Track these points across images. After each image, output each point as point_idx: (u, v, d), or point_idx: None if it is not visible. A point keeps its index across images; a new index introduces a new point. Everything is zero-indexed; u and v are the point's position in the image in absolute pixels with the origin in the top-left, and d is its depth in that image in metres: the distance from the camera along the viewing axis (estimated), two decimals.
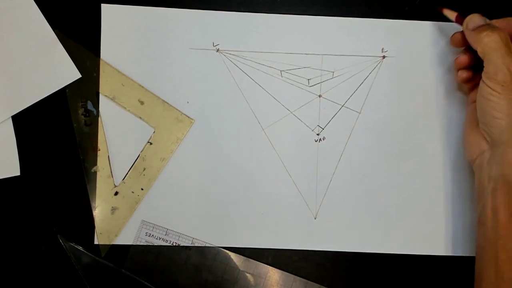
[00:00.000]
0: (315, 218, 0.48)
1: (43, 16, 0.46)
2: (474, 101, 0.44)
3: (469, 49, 0.44)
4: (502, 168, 0.40)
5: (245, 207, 0.48)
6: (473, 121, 0.45)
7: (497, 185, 0.40)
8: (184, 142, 0.48)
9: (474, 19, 0.43)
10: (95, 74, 0.47)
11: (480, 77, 0.42)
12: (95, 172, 0.47)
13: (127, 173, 0.47)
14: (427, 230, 0.49)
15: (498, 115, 0.40)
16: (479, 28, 0.42)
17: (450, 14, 0.45)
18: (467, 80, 0.46)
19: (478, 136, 0.43)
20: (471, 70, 0.45)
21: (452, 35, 0.46)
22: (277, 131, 0.48)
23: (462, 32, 0.45)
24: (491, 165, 0.41)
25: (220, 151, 0.48)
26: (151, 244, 0.47)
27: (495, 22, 0.43)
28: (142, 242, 0.47)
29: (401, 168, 0.49)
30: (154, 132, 0.47)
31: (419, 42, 0.48)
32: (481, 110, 0.42)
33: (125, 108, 0.47)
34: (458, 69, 0.46)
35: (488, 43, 0.40)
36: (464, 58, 0.45)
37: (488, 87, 0.40)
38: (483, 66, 0.41)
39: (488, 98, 0.40)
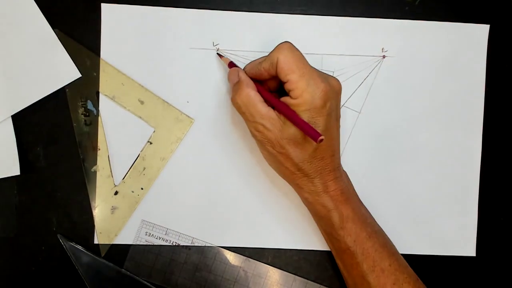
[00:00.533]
0: None
1: (43, 16, 0.46)
2: None
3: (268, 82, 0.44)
4: (299, 196, 0.45)
5: (245, 207, 0.48)
6: None
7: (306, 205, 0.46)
8: (184, 142, 0.48)
9: (231, 76, 0.44)
10: (95, 74, 0.47)
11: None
12: (95, 172, 0.47)
13: (127, 173, 0.47)
14: (427, 230, 0.49)
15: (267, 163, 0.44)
16: (233, 87, 0.43)
17: (225, 60, 0.46)
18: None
19: None
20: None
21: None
22: None
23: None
24: None
25: (220, 151, 0.48)
26: (151, 243, 0.47)
27: (249, 67, 0.44)
28: (142, 241, 0.47)
29: (401, 168, 0.49)
30: (154, 131, 0.47)
31: (419, 42, 0.48)
32: None
33: (125, 107, 0.47)
34: None
35: (238, 106, 0.42)
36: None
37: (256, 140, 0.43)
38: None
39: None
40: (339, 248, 0.43)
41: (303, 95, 0.39)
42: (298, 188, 0.43)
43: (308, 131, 0.38)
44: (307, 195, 0.43)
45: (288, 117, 0.40)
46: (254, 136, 0.42)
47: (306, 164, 0.41)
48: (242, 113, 0.42)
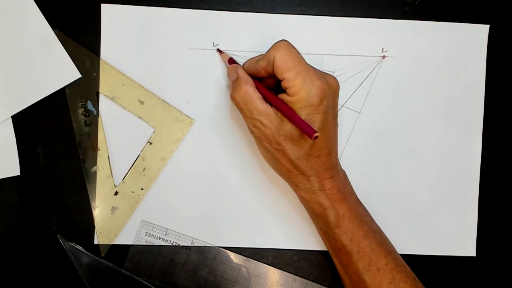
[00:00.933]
0: None
1: (43, 16, 0.46)
2: None
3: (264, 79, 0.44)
4: (299, 198, 0.45)
5: (245, 207, 0.48)
6: None
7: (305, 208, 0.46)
8: (184, 142, 0.48)
9: (230, 73, 0.44)
10: (95, 74, 0.47)
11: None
12: (95, 172, 0.47)
13: (127, 173, 0.47)
14: (427, 230, 0.49)
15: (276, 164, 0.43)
16: (232, 84, 0.43)
17: (225, 57, 0.46)
18: None
19: None
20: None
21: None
22: None
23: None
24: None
25: (220, 151, 0.48)
26: (151, 244, 0.47)
27: (248, 65, 0.44)
28: (142, 242, 0.47)
29: (401, 168, 0.49)
30: (154, 132, 0.47)
31: (419, 42, 0.48)
32: None
33: (125, 108, 0.47)
34: None
35: (237, 103, 0.42)
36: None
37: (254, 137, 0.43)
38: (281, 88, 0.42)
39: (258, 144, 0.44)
40: (335, 247, 0.43)
41: (300, 93, 0.40)
42: (294, 186, 0.43)
43: (303, 128, 0.39)
44: (303, 193, 0.43)
45: (285, 114, 0.40)
46: (252, 132, 0.43)
47: (302, 162, 0.41)
48: (240, 109, 0.42)
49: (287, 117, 0.40)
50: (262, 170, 0.48)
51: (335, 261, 0.45)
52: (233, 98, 0.42)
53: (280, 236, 0.48)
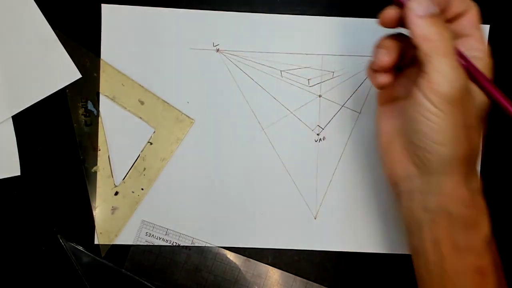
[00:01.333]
0: (315, 218, 0.48)
1: (43, 16, 0.46)
2: (393, 112, 0.37)
3: (399, 37, 0.35)
4: (441, 199, 0.34)
5: (245, 207, 0.48)
6: (393, 136, 0.37)
7: (436, 217, 0.34)
8: (184, 142, 0.48)
9: (425, 3, 0.31)
10: (95, 74, 0.47)
11: (409, 84, 0.34)
12: (95, 172, 0.47)
13: (127, 173, 0.47)
14: None
15: (439, 140, 0.32)
16: (431, 19, 0.31)
17: None
18: (387, 87, 0.36)
19: (403, 157, 0.36)
20: (392, 73, 0.36)
21: (384, 11, 0.34)
22: (277, 131, 0.48)
23: (399, 11, 0.33)
24: (425, 195, 0.34)
25: (220, 151, 0.48)
26: (151, 244, 0.47)
27: None
28: (142, 242, 0.47)
29: None
30: (154, 132, 0.47)
31: None
32: (414, 129, 0.33)
33: (125, 108, 0.47)
34: (377, 71, 0.36)
35: (439, 44, 0.31)
36: (390, 56, 0.35)
37: (429, 103, 0.31)
38: (418, 70, 0.32)
39: (427, 116, 0.31)
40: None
41: (487, 59, 0.34)
42: (471, 175, 0.34)
43: (504, 105, 0.32)
44: (466, 191, 0.34)
45: (482, 85, 0.33)
46: (452, 90, 0.31)
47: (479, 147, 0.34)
48: (443, 45, 0.31)
49: (485, 86, 0.33)
50: (262, 170, 0.48)
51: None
52: (434, 31, 0.31)
53: (280, 236, 0.48)
